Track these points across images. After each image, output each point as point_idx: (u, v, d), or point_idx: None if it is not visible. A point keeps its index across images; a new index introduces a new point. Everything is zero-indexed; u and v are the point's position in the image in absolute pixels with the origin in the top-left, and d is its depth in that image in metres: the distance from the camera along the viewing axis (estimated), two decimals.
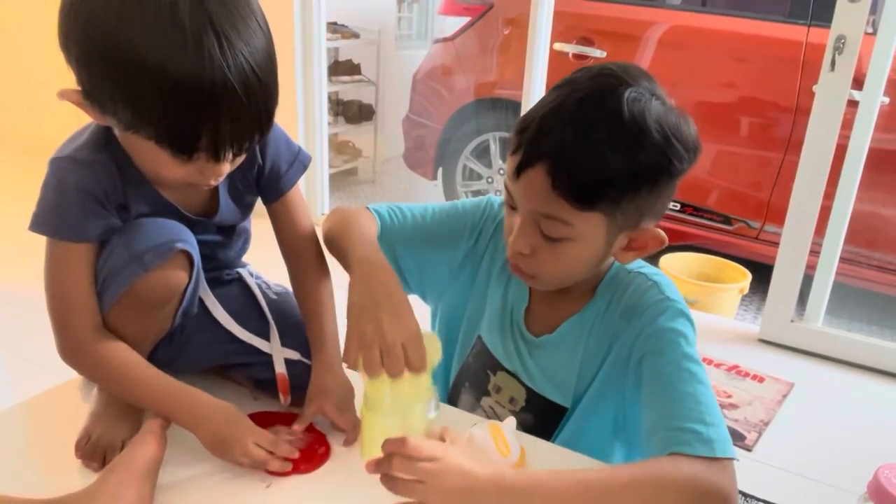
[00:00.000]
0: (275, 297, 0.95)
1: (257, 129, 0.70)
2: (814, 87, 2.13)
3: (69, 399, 0.88)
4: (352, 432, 0.82)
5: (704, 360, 2.14)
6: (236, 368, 0.93)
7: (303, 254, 0.92)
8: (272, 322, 0.91)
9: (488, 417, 0.95)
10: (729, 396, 1.98)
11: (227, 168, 0.74)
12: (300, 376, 0.87)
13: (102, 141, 0.77)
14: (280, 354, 0.88)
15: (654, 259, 0.91)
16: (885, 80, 2.13)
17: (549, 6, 2.55)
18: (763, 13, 2.83)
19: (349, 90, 4.36)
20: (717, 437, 0.69)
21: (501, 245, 0.91)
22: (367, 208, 0.94)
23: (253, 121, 0.68)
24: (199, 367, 0.93)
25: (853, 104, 2.14)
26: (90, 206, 0.75)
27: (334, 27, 3.97)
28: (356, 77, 4.27)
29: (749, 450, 1.74)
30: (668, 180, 0.75)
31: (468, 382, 0.98)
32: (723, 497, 0.66)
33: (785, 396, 2.01)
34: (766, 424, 1.86)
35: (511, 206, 0.80)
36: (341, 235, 0.85)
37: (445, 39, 3.61)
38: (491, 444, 0.74)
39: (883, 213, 2.57)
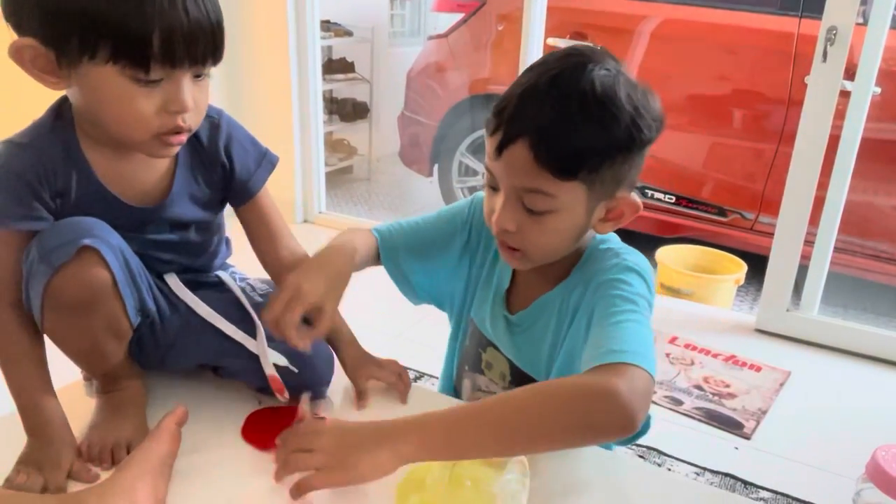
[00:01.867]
0: (260, 299, 0.94)
1: (209, 34, 0.71)
2: (806, 79, 2.15)
3: (74, 400, 0.88)
4: (400, 382, 0.94)
5: (702, 350, 2.18)
6: (236, 376, 0.93)
7: (289, 255, 0.92)
8: (258, 322, 0.89)
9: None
10: (727, 386, 2.00)
11: (189, 98, 0.73)
12: (291, 376, 0.87)
13: (49, 124, 0.78)
14: (267, 354, 0.87)
15: (650, 252, 0.92)
16: (877, 71, 2.15)
17: (542, 1, 2.54)
18: (755, 5, 2.84)
19: (343, 88, 4.36)
20: (630, 350, 0.70)
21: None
22: (370, 229, 0.97)
23: (202, 23, 0.70)
24: (191, 366, 0.93)
25: (845, 94, 2.15)
26: (20, 190, 0.76)
27: (327, 25, 3.96)
28: (350, 75, 4.26)
29: (748, 438, 1.76)
30: (639, 149, 0.79)
31: (467, 365, 1.01)
32: (606, 391, 0.65)
33: (782, 385, 2.03)
34: (764, 413, 1.88)
35: (492, 186, 0.82)
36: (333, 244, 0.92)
37: (439, 36, 3.62)
38: None
39: (876, 202, 2.59)
